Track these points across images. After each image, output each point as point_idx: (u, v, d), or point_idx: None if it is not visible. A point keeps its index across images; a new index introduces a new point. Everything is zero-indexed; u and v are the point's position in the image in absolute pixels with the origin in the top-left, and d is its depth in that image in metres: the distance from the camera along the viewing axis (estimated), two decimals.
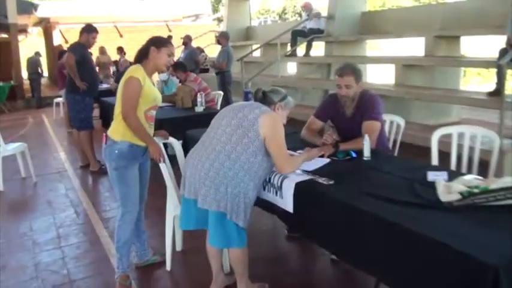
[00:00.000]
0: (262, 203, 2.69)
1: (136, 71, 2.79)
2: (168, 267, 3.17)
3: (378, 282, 2.53)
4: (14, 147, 5.57)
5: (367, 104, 3.08)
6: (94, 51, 12.35)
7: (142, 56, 2.85)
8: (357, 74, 3.07)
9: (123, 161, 2.81)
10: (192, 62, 8.98)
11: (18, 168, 5.72)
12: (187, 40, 9.33)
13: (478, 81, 15.22)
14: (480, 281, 1.54)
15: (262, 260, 3.21)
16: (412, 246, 1.78)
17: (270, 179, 2.56)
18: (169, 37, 15.94)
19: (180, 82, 6.10)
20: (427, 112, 6.59)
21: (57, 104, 10.57)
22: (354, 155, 2.84)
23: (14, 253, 3.56)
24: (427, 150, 3.11)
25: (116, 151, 2.80)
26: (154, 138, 2.99)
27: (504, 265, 1.52)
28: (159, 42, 2.85)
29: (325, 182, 2.37)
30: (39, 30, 21.24)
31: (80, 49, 5.46)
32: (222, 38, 8.66)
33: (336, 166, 2.70)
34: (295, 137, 3.35)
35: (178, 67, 6.06)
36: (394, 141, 3.54)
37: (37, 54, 13.16)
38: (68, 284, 3.05)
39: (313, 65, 9.49)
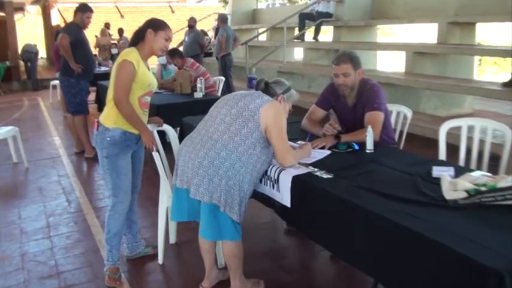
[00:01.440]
0: (259, 196, 2.67)
1: (130, 54, 2.75)
2: (160, 260, 3.15)
3: (376, 282, 2.50)
4: (4, 131, 5.56)
5: (368, 94, 3.04)
6: (94, 32, 12.37)
7: (138, 38, 2.82)
8: (355, 62, 3.02)
9: (115, 148, 2.79)
10: (197, 46, 8.91)
11: (9, 153, 5.72)
12: (192, 23, 9.23)
13: (494, 71, 15.04)
14: (484, 286, 1.50)
15: (258, 255, 3.20)
16: (412, 247, 1.74)
17: (266, 171, 2.54)
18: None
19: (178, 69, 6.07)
20: (438, 103, 6.53)
21: (54, 86, 10.53)
22: (356, 147, 2.80)
23: (0, 242, 3.56)
24: (436, 143, 3.06)
25: (108, 138, 2.78)
26: (148, 125, 2.96)
27: (510, 269, 1.47)
28: (156, 25, 2.81)
29: (323, 176, 2.34)
30: (37, 8, 21.16)
31: (74, 30, 5.41)
32: (219, 21, 8.59)
33: (336, 159, 2.66)
34: (297, 127, 3.31)
35: (174, 54, 6.03)
36: (401, 133, 3.50)
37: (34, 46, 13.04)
38: (55, 276, 3.04)
39: (320, 51, 9.42)
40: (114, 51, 10.54)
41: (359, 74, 3.05)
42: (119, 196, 2.88)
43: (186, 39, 9.13)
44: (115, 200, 2.89)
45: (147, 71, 2.84)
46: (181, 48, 8.65)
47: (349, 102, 3.14)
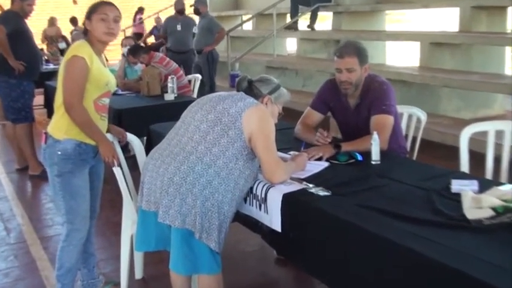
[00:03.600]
0: (243, 219, 2.69)
1: (81, 49, 2.77)
2: None
3: None
4: None
5: (376, 94, 3.08)
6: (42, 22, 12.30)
7: (86, 30, 2.87)
8: (362, 55, 3.07)
9: (69, 164, 2.80)
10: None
11: None
12: (200, 6, 8.48)
13: None
14: None
15: None
16: (427, 277, 1.76)
17: (252, 188, 2.56)
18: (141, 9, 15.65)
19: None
20: (460, 103, 6.60)
21: None
22: (359, 157, 2.83)
23: None
24: (458, 152, 3.11)
25: (59, 152, 2.79)
26: (107, 134, 2.98)
27: None
28: (88, 12, 2.85)
29: (320, 193, 2.36)
30: None
31: (12, 19, 5.38)
32: (201, 5, 8.51)
33: (335, 172, 2.69)
34: (289, 134, 3.35)
35: (136, 51, 6.07)
36: (413, 140, 3.55)
37: None
38: None
39: (317, 42, 9.50)
40: (61, 45, 10.48)
41: (365, 69, 3.09)
42: (74, 223, 2.88)
43: (195, 29, 8.66)
44: (70, 227, 2.89)
45: (102, 67, 2.86)
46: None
47: (352, 103, 3.18)
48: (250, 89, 2.65)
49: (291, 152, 2.92)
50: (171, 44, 8.66)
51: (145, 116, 4.81)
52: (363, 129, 3.02)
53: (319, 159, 2.85)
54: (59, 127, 2.81)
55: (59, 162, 2.79)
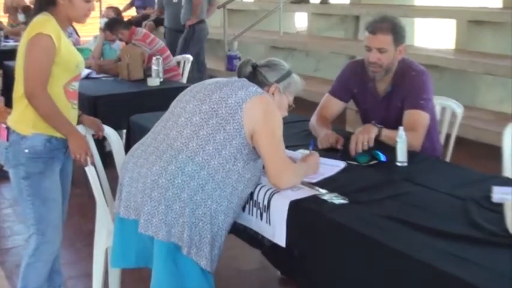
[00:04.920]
0: (241, 231, 2.68)
1: (47, 25, 2.78)
2: None
3: None
4: None
5: (413, 84, 3.11)
6: None
7: (47, 2, 2.83)
8: (398, 33, 3.10)
9: (38, 164, 2.82)
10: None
11: None
12: None
13: None
14: None
15: None
16: None
17: (252, 194, 2.55)
18: None
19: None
20: (504, 94, 6.59)
21: None
22: (382, 158, 2.84)
23: None
24: (500, 153, 3.11)
25: (26, 150, 2.81)
26: (79, 127, 2.99)
27: None
28: None
29: (335, 201, 2.35)
30: None
31: None
32: None
33: (353, 175, 2.69)
34: (300, 129, 3.36)
35: (114, 26, 6.04)
36: (447, 138, 3.55)
37: None
38: None
39: (332, 18, 9.48)
40: (20, 17, 10.39)
41: (400, 51, 3.12)
42: (46, 234, 2.89)
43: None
44: (40, 239, 2.89)
45: (71, 46, 2.89)
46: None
47: (381, 89, 3.20)
48: (255, 75, 2.66)
49: (301, 151, 2.91)
50: (166, 20, 8.58)
51: (124, 104, 4.80)
52: (392, 122, 3.03)
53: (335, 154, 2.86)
54: (25, 120, 2.82)
55: (27, 162, 2.80)
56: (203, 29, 8.25)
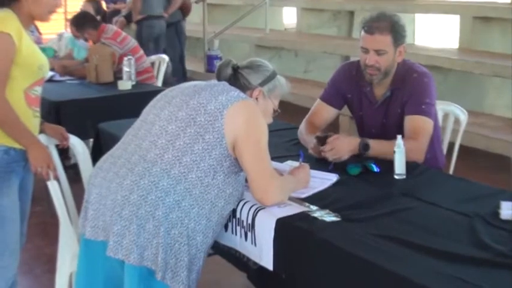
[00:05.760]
0: (223, 253, 2.69)
1: (7, 21, 2.76)
2: None
3: None
4: None
5: (414, 87, 3.12)
6: None
7: None
8: (398, 32, 3.10)
9: None
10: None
11: None
12: None
13: None
14: None
15: None
16: None
17: (234, 211, 2.55)
18: None
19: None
20: None
21: None
22: (375, 169, 2.85)
23: None
24: (509, 163, 3.13)
25: None
26: (40, 136, 2.98)
27: None
28: None
29: (326, 218, 2.35)
30: None
31: None
32: None
33: (347, 190, 2.69)
34: (288, 138, 3.36)
35: (82, 22, 5.96)
36: (450, 147, 3.57)
37: None
38: None
39: (324, 14, 9.52)
40: None
41: (400, 52, 3.12)
42: (2, 258, 2.88)
43: None
44: None
45: (34, 46, 2.88)
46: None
47: (378, 94, 3.21)
48: (236, 77, 2.66)
49: (289, 162, 2.92)
50: (142, 11, 8.44)
51: (92, 111, 4.77)
52: (391, 131, 3.04)
53: (332, 164, 2.86)
54: None
55: None
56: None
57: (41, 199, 3.08)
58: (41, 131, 3.03)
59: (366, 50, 3.09)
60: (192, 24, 9.19)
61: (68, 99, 5.01)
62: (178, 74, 8.18)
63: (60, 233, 3.04)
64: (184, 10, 8.77)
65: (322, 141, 2.95)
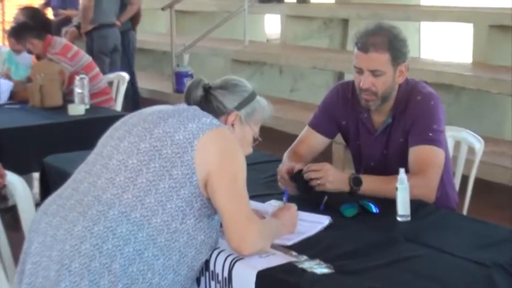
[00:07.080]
0: None
1: None
2: None
3: None
4: None
5: (419, 111, 3.13)
6: None
7: None
8: (397, 49, 3.10)
9: None
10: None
11: None
12: None
13: None
14: None
15: None
16: None
17: (207, 262, 2.55)
18: None
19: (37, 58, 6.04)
20: None
21: None
22: (374, 210, 2.86)
23: None
24: None
25: None
26: None
27: None
28: None
29: (316, 270, 2.35)
30: None
31: None
32: None
33: (341, 235, 2.70)
34: (271, 172, 3.36)
35: (22, 32, 5.93)
36: (463, 181, 3.58)
37: None
38: None
39: (314, 22, 9.58)
40: None
41: (401, 71, 3.13)
42: None
43: None
44: None
45: None
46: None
47: (378, 122, 3.23)
48: (208, 100, 2.67)
49: (272, 202, 2.92)
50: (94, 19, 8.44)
51: (36, 141, 4.76)
52: (393, 164, 3.03)
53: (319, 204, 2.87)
54: None
55: None
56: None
57: None
58: None
59: (359, 71, 3.09)
60: (158, 35, 9.20)
61: (7, 127, 4.98)
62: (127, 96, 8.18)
63: None
64: (134, 19, 8.79)
65: (295, 177, 2.96)
